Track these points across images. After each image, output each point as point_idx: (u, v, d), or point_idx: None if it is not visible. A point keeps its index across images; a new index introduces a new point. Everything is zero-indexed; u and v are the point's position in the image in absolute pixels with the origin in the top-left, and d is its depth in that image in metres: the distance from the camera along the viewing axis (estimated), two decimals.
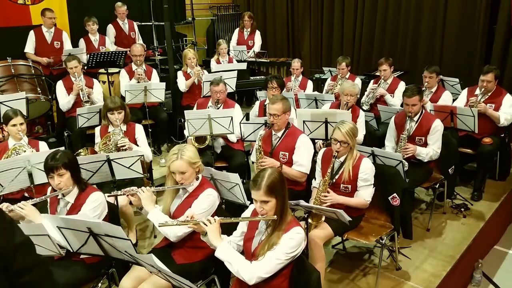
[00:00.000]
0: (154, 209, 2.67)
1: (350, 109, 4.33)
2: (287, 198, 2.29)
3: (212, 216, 2.40)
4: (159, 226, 2.47)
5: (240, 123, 4.19)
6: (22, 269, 1.27)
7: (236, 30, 7.68)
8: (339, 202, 3.06)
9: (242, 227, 2.46)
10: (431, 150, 3.82)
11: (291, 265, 2.23)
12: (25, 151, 3.57)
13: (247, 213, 2.48)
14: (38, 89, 5.19)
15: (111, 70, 5.65)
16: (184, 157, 2.62)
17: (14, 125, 3.61)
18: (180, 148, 2.68)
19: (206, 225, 2.26)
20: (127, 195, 2.73)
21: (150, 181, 4.27)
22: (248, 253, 2.33)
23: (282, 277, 2.21)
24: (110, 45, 6.65)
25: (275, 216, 2.20)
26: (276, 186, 2.19)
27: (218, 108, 4.45)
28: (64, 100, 4.97)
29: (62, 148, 2.92)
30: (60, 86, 5.02)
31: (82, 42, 6.22)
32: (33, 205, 2.68)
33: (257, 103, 5.12)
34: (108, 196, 2.84)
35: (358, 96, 4.96)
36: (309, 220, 2.95)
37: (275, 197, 2.19)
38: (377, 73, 5.56)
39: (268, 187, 2.17)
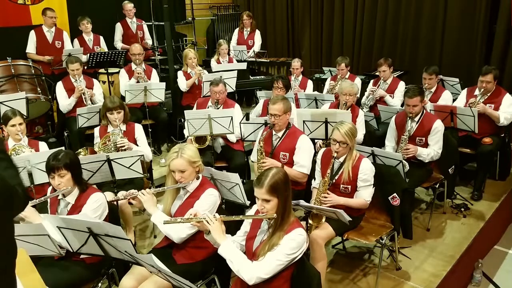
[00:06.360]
0: (156, 211, 2.67)
1: (350, 109, 4.34)
2: (290, 200, 2.28)
3: (213, 215, 2.40)
4: (164, 224, 2.47)
5: (240, 123, 4.19)
6: None
7: (236, 30, 7.69)
8: (339, 203, 3.06)
9: (246, 226, 2.46)
10: (432, 150, 3.82)
11: (292, 268, 2.22)
12: (24, 151, 3.57)
13: (250, 213, 2.48)
14: (38, 89, 5.18)
15: (111, 70, 5.65)
16: (184, 155, 2.62)
17: (13, 125, 3.61)
18: (181, 147, 2.68)
19: (209, 223, 2.26)
20: (128, 199, 2.73)
21: (150, 181, 4.27)
22: (250, 252, 2.33)
23: (283, 279, 2.21)
24: (118, 43, 6.72)
25: (275, 215, 2.20)
26: (279, 186, 2.19)
27: (218, 108, 4.45)
28: (65, 102, 4.95)
29: (63, 148, 2.92)
30: (59, 87, 5.00)
31: (76, 42, 6.23)
32: (33, 206, 2.68)
33: (261, 101, 5.12)
34: (110, 201, 2.84)
35: (358, 95, 4.96)
36: (310, 221, 2.95)
37: (277, 197, 2.19)
38: (377, 73, 5.56)
39: (270, 186, 2.17)
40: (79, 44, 6.18)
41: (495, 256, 4.20)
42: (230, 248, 2.23)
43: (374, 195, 3.13)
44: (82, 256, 2.63)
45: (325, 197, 3.06)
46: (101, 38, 6.45)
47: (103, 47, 6.41)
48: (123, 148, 3.75)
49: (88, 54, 5.50)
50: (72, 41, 6.21)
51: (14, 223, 1.49)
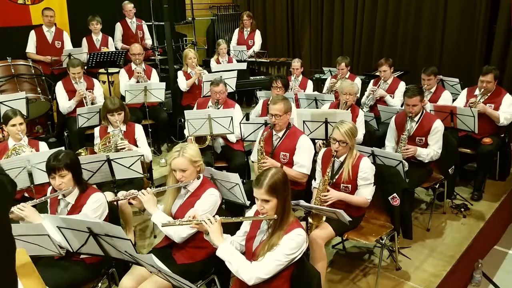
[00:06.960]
0: (157, 211, 2.67)
1: (350, 109, 4.34)
2: (290, 200, 2.28)
3: (213, 216, 2.40)
4: (162, 226, 2.47)
5: (240, 123, 4.19)
6: None
7: (236, 30, 7.69)
8: (340, 198, 3.06)
9: (245, 226, 2.46)
10: (431, 150, 3.82)
11: (292, 268, 2.22)
12: (24, 151, 3.57)
13: (250, 213, 2.48)
14: (38, 89, 5.19)
15: (111, 70, 5.65)
16: (185, 154, 2.62)
17: (14, 125, 3.61)
18: (183, 146, 2.68)
19: (208, 225, 2.26)
20: (128, 199, 2.73)
21: (150, 181, 4.26)
22: (249, 253, 2.33)
23: (282, 279, 2.21)
24: (118, 43, 6.72)
25: (275, 216, 2.20)
26: (278, 187, 2.19)
27: (218, 108, 4.45)
28: (65, 104, 4.94)
29: (63, 148, 2.92)
30: (59, 88, 4.98)
31: (84, 42, 6.24)
32: (33, 206, 2.68)
33: (260, 102, 5.12)
34: (110, 201, 2.84)
35: (358, 95, 4.96)
36: (310, 220, 2.95)
37: (276, 197, 2.19)
38: (377, 73, 5.56)
39: (269, 187, 2.17)
40: (87, 44, 6.19)
41: (495, 256, 4.20)
42: (228, 250, 2.23)
43: (374, 195, 3.13)
44: (82, 256, 2.63)
45: (326, 195, 3.06)
46: (110, 38, 6.46)
47: (111, 47, 6.41)
48: (123, 151, 3.74)
49: (89, 54, 5.49)
50: (78, 41, 6.21)
51: (14, 223, 1.47)
